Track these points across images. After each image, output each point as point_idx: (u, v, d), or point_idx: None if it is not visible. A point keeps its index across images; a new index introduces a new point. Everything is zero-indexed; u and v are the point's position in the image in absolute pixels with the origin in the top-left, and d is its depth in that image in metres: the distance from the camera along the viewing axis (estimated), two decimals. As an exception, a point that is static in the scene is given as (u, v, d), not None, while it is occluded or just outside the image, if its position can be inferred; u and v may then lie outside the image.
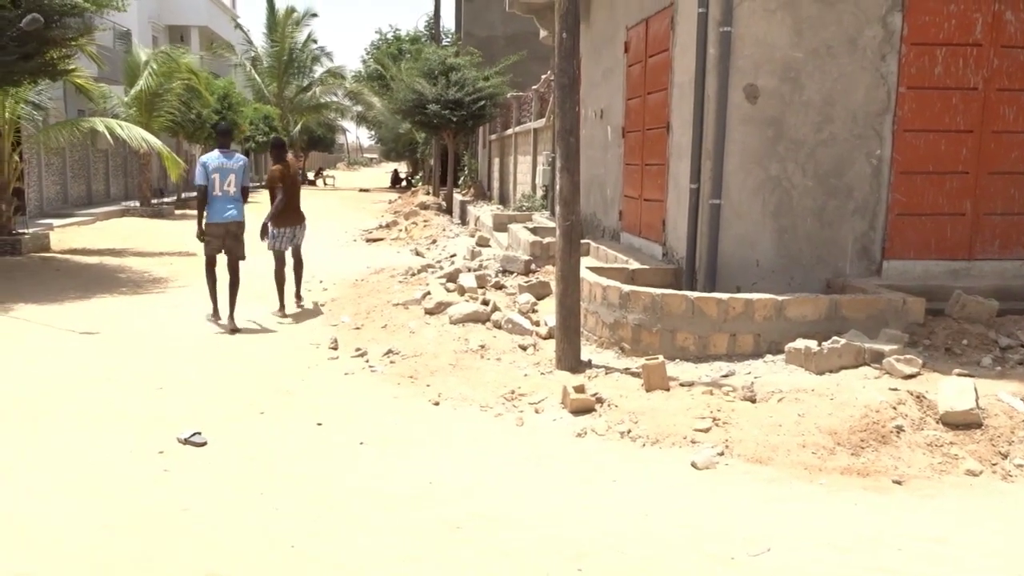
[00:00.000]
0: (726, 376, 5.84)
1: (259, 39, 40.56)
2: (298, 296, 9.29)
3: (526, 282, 8.56)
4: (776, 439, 4.76)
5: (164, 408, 5.57)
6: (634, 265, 7.90)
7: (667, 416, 5.10)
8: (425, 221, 18.38)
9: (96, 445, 4.87)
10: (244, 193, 8.23)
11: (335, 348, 7.21)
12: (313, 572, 3.44)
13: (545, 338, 6.97)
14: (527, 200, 17.15)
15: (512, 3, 13.43)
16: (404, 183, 41.35)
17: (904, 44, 6.98)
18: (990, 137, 7.16)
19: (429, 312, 7.97)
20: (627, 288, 6.52)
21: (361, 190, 39.00)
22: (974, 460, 4.50)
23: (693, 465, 4.53)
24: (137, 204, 22.10)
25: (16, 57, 10.78)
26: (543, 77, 17.54)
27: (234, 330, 7.94)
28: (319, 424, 5.28)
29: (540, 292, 8.21)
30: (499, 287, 8.82)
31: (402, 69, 25.21)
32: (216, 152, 8.07)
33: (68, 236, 15.80)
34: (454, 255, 12.47)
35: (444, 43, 31.29)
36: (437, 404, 5.69)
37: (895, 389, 5.18)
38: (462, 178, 26.90)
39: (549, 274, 8.60)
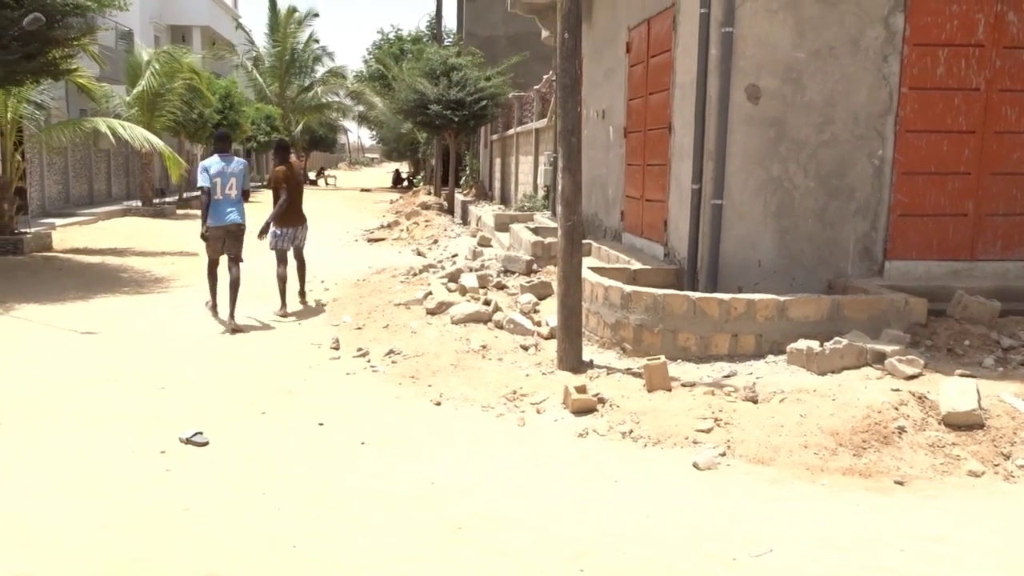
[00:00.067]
0: (728, 376, 5.83)
1: (261, 39, 40.63)
2: (302, 296, 9.34)
3: (528, 282, 8.56)
4: (778, 440, 4.76)
5: (165, 408, 5.57)
6: (636, 265, 7.90)
7: (669, 416, 5.10)
8: (427, 221, 18.38)
9: (97, 445, 4.88)
10: (245, 195, 8.40)
11: (336, 348, 7.21)
12: (314, 572, 3.44)
13: (547, 338, 6.97)
14: (529, 200, 17.14)
15: (514, 3, 13.43)
16: (406, 183, 41.38)
17: (906, 45, 6.97)
18: (992, 138, 7.15)
19: (431, 312, 7.97)
20: (629, 288, 6.52)
21: (363, 190, 39.03)
22: (976, 461, 4.50)
23: (695, 465, 4.53)
24: (139, 204, 22.12)
25: (18, 56, 10.79)
26: (545, 77, 17.55)
27: (235, 329, 7.97)
28: (320, 424, 5.29)
29: (542, 292, 8.20)
30: (501, 287, 8.82)
31: (404, 69, 25.21)
32: (216, 157, 8.23)
33: (70, 235, 15.82)
34: (456, 255, 12.47)
35: (446, 43, 31.33)
36: (439, 404, 5.69)
37: (897, 390, 5.17)
38: (464, 178, 26.91)
39: (551, 274, 8.60)
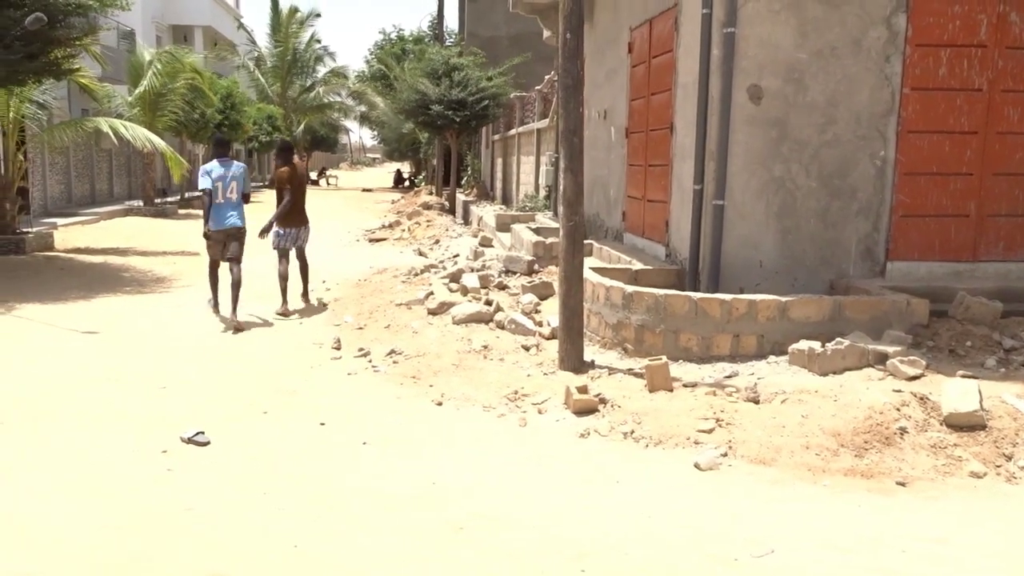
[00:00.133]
0: (729, 377, 5.83)
1: (263, 39, 40.65)
2: (306, 297, 9.39)
3: (529, 282, 8.56)
4: (779, 440, 4.75)
5: (167, 408, 5.58)
6: (637, 266, 7.89)
7: (670, 417, 5.10)
8: (428, 221, 18.38)
9: (98, 444, 4.88)
10: (246, 198, 8.57)
11: (338, 348, 7.22)
12: (315, 572, 3.44)
13: (548, 338, 6.97)
14: (530, 200, 17.15)
15: (516, 3, 13.43)
16: (407, 183, 41.40)
17: (908, 45, 6.96)
18: (994, 138, 7.14)
19: (432, 312, 7.97)
20: (630, 289, 6.51)
21: (364, 190, 39.04)
22: (978, 462, 4.49)
23: (696, 466, 4.53)
24: (141, 204, 22.15)
25: (21, 56, 10.80)
26: (546, 77, 17.55)
27: (237, 328, 8.00)
28: (322, 424, 5.29)
29: (543, 292, 8.20)
30: (502, 287, 8.82)
31: (405, 69, 25.22)
32: (215, 162, 8.39)
33: (72, 235, 15.83)
34: (457, 255, 12.47)
35: (447, 43, 31.35)
36: (440, 404, 5.69)
37: (899, 391, 5.17)
38: (465, 178, 26.92)
39: (552, 274, 8.60)
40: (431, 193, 27.02)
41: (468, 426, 5.27)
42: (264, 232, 9.05)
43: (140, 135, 14.87)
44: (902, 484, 4.31)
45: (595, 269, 7.40)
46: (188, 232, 16.67)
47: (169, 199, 24.90)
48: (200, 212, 8.54)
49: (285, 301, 8.92)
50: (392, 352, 6.86)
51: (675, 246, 7.92)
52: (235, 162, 8.53)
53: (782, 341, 6.13)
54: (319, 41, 40.78)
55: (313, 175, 45.11)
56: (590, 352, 6.52)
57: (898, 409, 4.90)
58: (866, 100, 7.01)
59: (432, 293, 8.60)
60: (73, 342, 7.49)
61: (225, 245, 8.44)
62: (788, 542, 3.70)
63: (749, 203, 7.11)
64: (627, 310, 6.49)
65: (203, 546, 3.64)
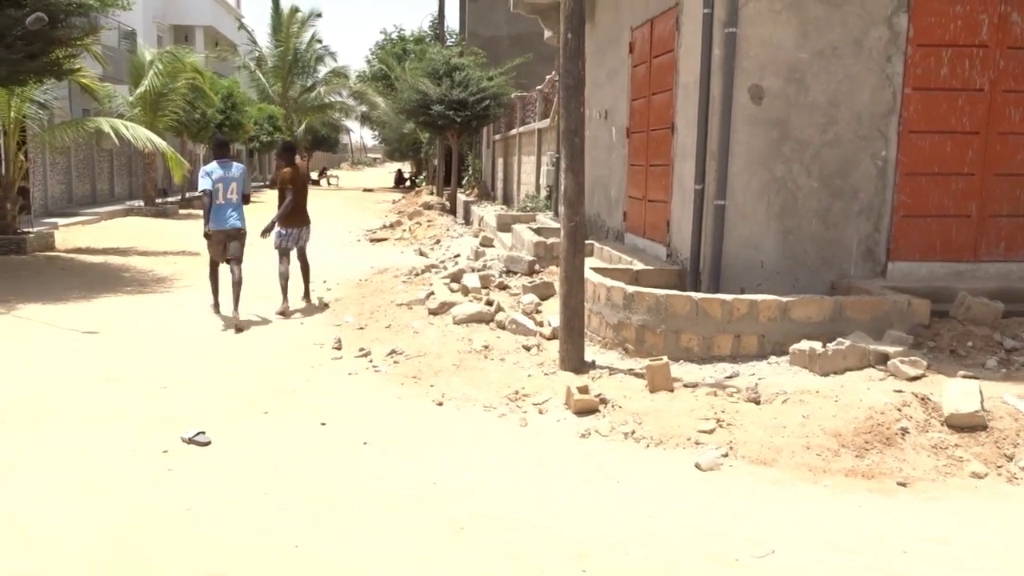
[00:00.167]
0: (730, 377, 5.83)
1: (263, 39, 40.66)
2: (307, 297, 9.41)
3: (530, 283, 8.56)
4: (780, 441, 4.75)
5: (167, 408, 5.57)
6: (638, 266, 7.89)
7: (671, 417, 5.09)
8: (429, 221, 18.38)
9: (99, 444, 4.88)
10: (246, 199, 8.66)
11: (339, 348, 7.21)
12: (316, 572, 3.44)
13: (549, 339, 6.97)
14: (531, 200, 17.15)
15: (517, 3, 13.43)
16: (408, 183, 41.40)
17: (910, 45, 6.96)
18: (996, 139, 7.14)
19: (433, 312, 7.97)
20: (631, 289, 6.51)
21: (365, 190, 39.05)
22: (979, 462, 4.49)
23: (697, 466, 4.52)
24: (141, 203, 22.16)
25: (22, 56, 10.82)
26: (547, 77, 17.55)
27: (239, 328, 8.03)
28: (323, 424, 5.28)
29: (544, 293, 8.20)
30: (503, 287, 8.82)
31: (406, 69, 25.24)
32: (215, 163, 8.48)
33: (72, 235, 15.84)
34: (458, 255, 12.48)
35: (448, 43, 31.34)
36: (441, 404, 5.68)
37: (900, 391, 5.16)
38: (466, 178, 26.92)
39: (553, 275, 8.60)
40: (432, 193, 27.01)
41: (469, 426, 5.27)
42: (266, 232, 9.11)
43: (141, 135, 14.88)
44: (903, 484, 4.31)
45: (596, 269, 7.40)
46: (189, 232, 16.67)
47: (170, 199, 24.91)
48: (200, 212, 8.61)
49: (286, 299, 8.93)
50: (393, 352, 6.86)
51: (676, 246, 7.91)
52: (235, 163, 8.61)
53: (783, 341, 6.12)
54: (320, 41, 40.84)
55: (314, 175, 45.15)
56: (591, 352, 6.52)
57: (899, 409, 4.89)
58: (867, 100, 7.00)
59: (433, 293, 8.60)
60: (74, 342, 7.49)
61: (225, 245, 8.49)
62: (789, 542, 3.70)
63: (750, 203, 7.10)
64: (628, 310, 6.49)
65: (203, 546, 3.63)
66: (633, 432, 4.99)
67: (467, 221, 19.89)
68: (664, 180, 8.27)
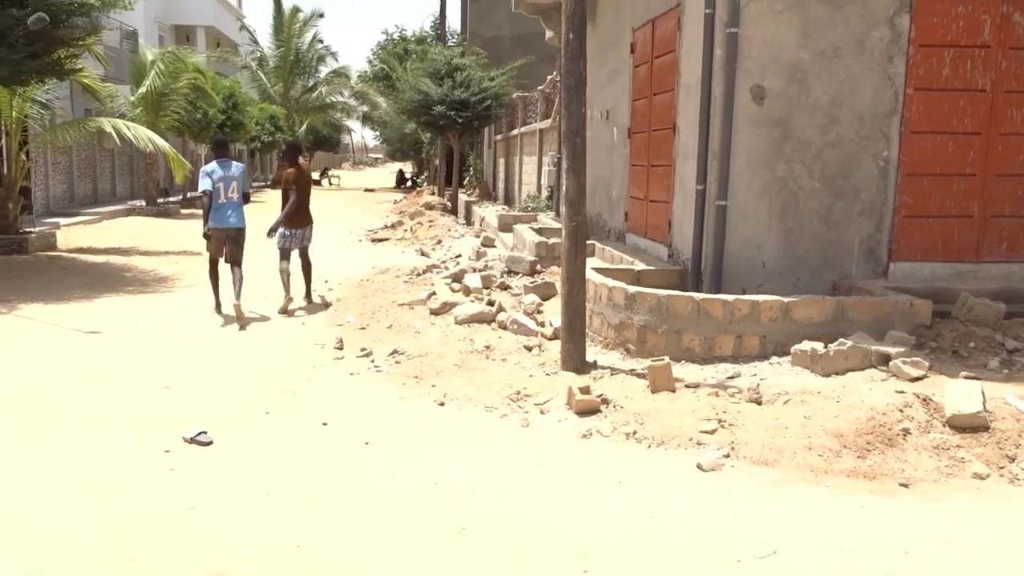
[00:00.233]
0: (732, 378, 5.82)
1: (265, 39, 40.68)
2: (309, 297, 9.44)
3: (531, 283, 8.56)
4: (782, 441, 4.74)
5: (169, 408, 5.58)
6: (640, 266, 7.89)
7: (672, 417, 5.09)
8: (430, 221, 18.38)
9: (100, 444, 4.88)
10: (245, 198, 8.74)
11: (340, 348, 7.22)
12: (317, 572, 3.44)
13: (550, 339, 6.97)
14: (532, 201, 17.15)
15: (518, 4, 13.43)
16: (409, 183, 41.40)
17: (912, 46, 6.95)
18: (998, 139, 7.13)
19: (434, 312, 7.97)
20: (633, 289, 6.51)
21: (366, 190, 39.04)
22: (981, 463, 4.48)
23: (699, 467, 4.52)
24: (143, 203, 22.17)
25: (23, 56, 10.83)
26: (549, 78, 17.55)
27: (241, 321, 8.17)
28: (324, 424, 5.29)
29: (545, 293, 8.20)
30: (504, 288, 8.82)
31: (408, 69, 25.24)
32: (215, 163, 8.56)
33: (74, 235, 15.85)
34: (459, 255, 12.48)
35: (450, 43, 31.35)
36: (442, 404, 5.68)
37: (901, 392, 5.16)
38: (467, 178, 26.92)
39: (554, 275, 8.60)
40: (433, 193, 27.00)
41: (470, 426, 5.27)
42: (272, 232, 9.17)
43: (143, 135, 14.89)
44: (905, 485, 4.31)
45: (597, 270, 7.40)
46: (190, 232, 16.67)
47: (171, 199, 24.92)
48: (201, 212, 8.70)
49: (288, 294, 8.99)
50: (394, 352, 6.86)
51: (677, 246, 7.91)
52: (235, 163, 8.67)
53: (785, 342, 6.12)
54: (321, 41, 40.84)
55: (315, 175, 45.17)
56: (592, 353, 6.52)
57: (901, 410, 4.89)
58: (869, 100, 7.00)
59: (434, 293, 8.61)
60: (75, 342, 7.50)
61: (225, 244, 8.56)
62: (790, 543, 3.69)
63: (752, 203, 7.10)
64: (629, 311, 6.49)
65: (205, 546, 3.64)
66: (635, 432, 4.99)
67: (468, 221, 19.90)
68: (666, 180, 8.27)
